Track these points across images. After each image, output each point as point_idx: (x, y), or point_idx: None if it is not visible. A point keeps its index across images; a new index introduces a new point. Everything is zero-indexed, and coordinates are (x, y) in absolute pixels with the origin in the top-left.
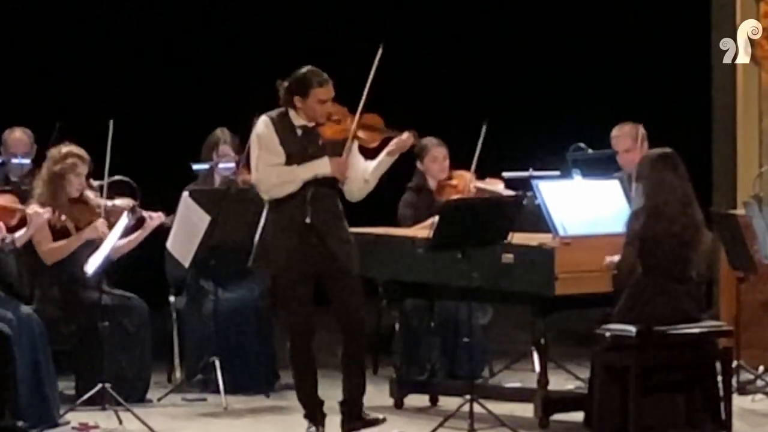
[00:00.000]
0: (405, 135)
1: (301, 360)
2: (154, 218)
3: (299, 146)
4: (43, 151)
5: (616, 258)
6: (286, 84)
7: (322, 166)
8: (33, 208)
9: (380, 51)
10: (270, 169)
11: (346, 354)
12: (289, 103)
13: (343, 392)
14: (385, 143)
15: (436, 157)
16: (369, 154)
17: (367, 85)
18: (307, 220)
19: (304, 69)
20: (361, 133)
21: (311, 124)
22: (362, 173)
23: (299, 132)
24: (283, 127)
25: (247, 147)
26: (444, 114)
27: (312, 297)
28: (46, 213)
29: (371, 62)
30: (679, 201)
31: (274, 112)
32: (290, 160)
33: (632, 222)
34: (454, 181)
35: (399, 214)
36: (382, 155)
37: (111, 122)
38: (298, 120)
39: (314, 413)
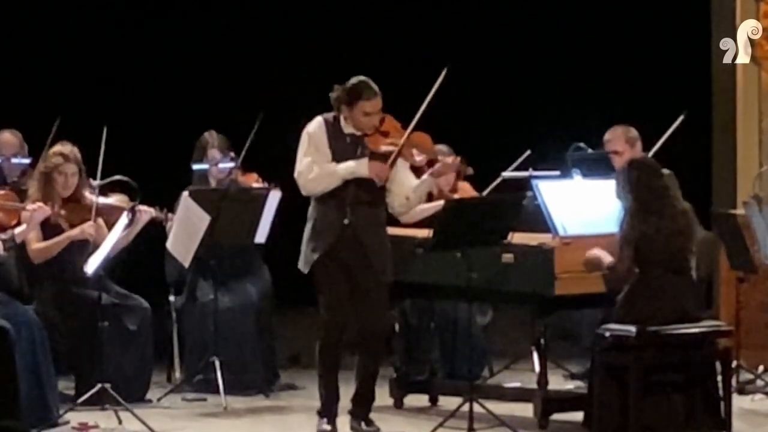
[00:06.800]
0: (451, 159)
1: (329, 352)
2: (146, 213)
3: (347, 152)
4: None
5: (597, 252)
6: (336, 93)
7: (360, 167)
8: (38, 204)
9: (444, 73)
10: (311, 164)
11: (362, 362)
12: (338, 110)
13: (353, 396)
14: (431, 164)
15: None
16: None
17: (424, 104)
18: (346, 221)
19: (355, 79)
20: (407, 150)
21: (359, 133)
22: (406, 190)
23: (348, 139)
24: (334, 131)
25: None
26: (443, 112)
27: (348, 291)
28: (47, 209)
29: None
30: (662, 195)
31: (329, 115)
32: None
33: (623, 225)
34: (456, 195)
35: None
36: (425, 175)
37: (105, 129)
38: (347, 128)
39: (330, 407)
